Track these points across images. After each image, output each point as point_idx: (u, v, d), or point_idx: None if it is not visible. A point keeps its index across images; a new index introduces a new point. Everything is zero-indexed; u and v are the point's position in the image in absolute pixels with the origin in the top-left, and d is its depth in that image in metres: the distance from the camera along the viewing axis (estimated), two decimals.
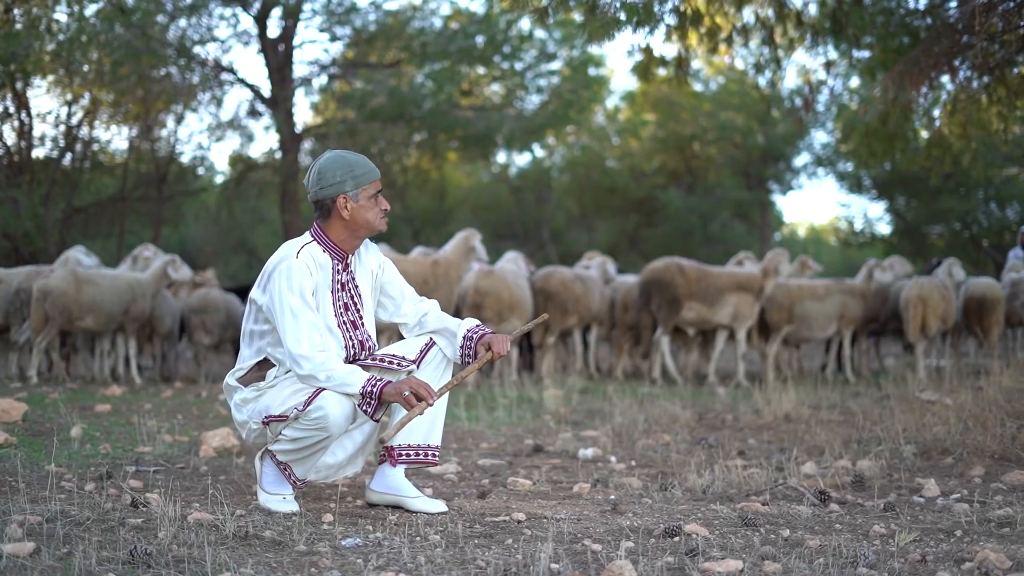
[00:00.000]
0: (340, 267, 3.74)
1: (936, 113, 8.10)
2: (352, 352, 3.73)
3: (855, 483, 4.36)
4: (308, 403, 3.48)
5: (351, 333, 3.73)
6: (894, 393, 7.64)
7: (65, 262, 9.44)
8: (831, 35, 7.26)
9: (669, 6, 5.90)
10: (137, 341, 9.72)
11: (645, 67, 7.24)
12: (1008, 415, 6.03)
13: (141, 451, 5.09)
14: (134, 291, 9.12)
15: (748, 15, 7.16)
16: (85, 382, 9.21)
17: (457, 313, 9.49)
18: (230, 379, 3.76)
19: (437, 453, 3.79)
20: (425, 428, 3.74)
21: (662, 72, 8.86)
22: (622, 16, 5.11)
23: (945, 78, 8.62)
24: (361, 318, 3.78)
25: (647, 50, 7.02)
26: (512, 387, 8.38)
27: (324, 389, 3.50)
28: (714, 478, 4.40)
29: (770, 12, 6.92)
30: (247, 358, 3.76)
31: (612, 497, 4.14)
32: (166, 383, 9.41)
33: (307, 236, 3.76)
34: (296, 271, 3.58)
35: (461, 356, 3.77)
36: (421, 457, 3.75)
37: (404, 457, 3.74)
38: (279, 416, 3.56)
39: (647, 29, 5.29)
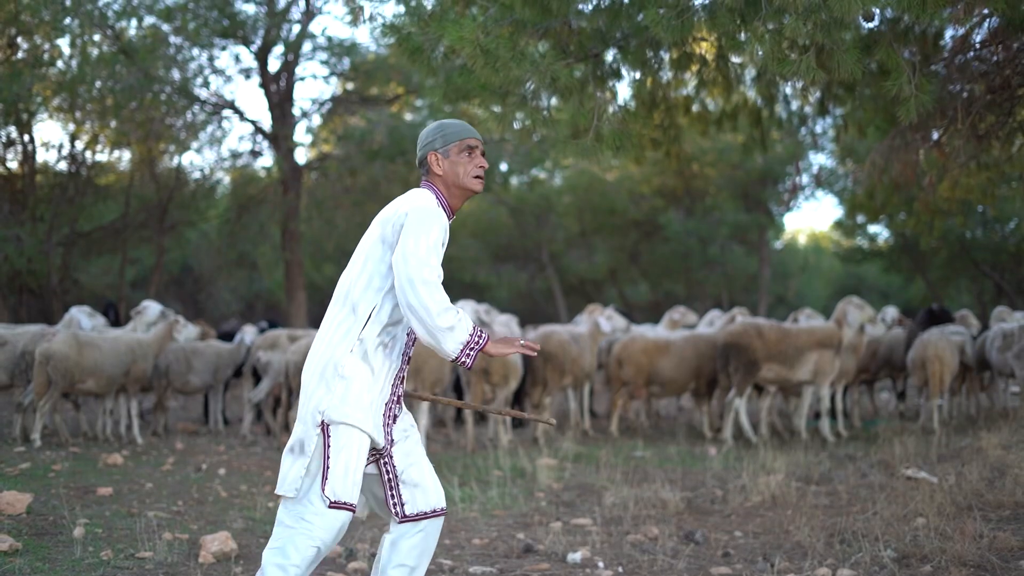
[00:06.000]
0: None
1: (924, 182, 8.21)
2: None
3: None
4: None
5: None
6: (878, 465, 7.79)
7: (68, 324, 9.59)
8: (819, 116, 7.40)
9: (654, 121, 6.03)
10: (158, 395, 10.03)
11: (637, 154, 7.36)
12: (990, 506, 6.19)
13: (141, 557, 5.22)
14: (135, 353, 9.27)
15: (736, 98, 7.29)
16: (87, 440, 9.37)
17: (459, 378, 9.70)
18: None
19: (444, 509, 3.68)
20: (434, 493, 3.65)
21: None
22: (603, 139, 5.23)
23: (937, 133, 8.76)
24: None
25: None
26: (506, 455, 8.52)
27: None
28: None
29: (759, 100, 7.05)
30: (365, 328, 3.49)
31: None
32: (167, 442, 9.57)
33: (428, 191, 3.67)
34: (442, 219, 3.51)
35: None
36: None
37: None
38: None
39: (625, 152, 5.42)
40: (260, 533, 5.88)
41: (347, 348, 3.47)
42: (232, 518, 6.22)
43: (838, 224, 23.96)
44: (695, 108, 7.10)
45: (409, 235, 3.40)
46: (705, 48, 6.40)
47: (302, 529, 3.38)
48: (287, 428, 9.57)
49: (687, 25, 4.58)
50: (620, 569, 5.28)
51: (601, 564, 5.37)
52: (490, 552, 5.63)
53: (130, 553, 5.31)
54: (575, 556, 5.45)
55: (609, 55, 5.88)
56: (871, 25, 5.38)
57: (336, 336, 3.50)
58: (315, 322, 19.03)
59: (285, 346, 9.89)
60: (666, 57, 6.02)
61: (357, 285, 3.53)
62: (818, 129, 8.33)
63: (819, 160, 25.46)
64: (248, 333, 10.60)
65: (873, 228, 26.32)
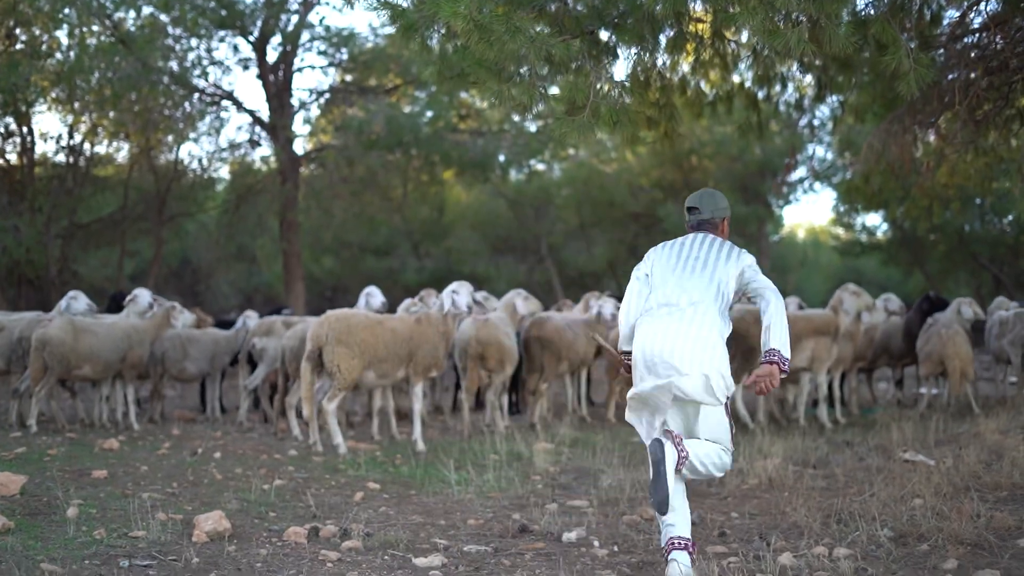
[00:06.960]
0: None
1: (922, 168, 8.19)
2: None
3: None
4: None
5: None
6: (876, 449, 7.77)
7: (61, 312, 9.57)
8: (816, 101, 7.37)
9: (651, 97, 5.99)
10: (154, 382, 10.00)
11: (632, 134, 7.32)
12: (987, 487, 6.17)
13: (135, 536, 5.20)
14: (131, 339, 9.26)
15: (733, 79, 7.26)
16: (84, 427, 9.35)
17: (455, 364, 9.70)
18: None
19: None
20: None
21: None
22: (599, 115, 5.20)
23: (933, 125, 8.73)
24: None
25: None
26: (502, 440, 8.50)
27: None
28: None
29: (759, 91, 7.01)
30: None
31: None
32: (163, 429, 9.55)
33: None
34: None
35: None
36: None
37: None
38: None
39: (623, 128, 5.39)
40: (254, 513, 5.87)
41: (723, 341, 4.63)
42: (227, 499, 6.21)
43: (836, 215, 23.88)
44: (689, 91, 7.06)
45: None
46: (702, 29, 6.38)
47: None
48: (283, 414, 9.54)
49: None
50: (615, 548, 5.26)
51: (596, 543, 5.35)
52: (485, 532, 5.61)
53: (123, 532, 5.30)
54: (570, 535, 5.43)
55: (604, 34, 5.86)
56: (866, 1, 5.35)
57: (716, 329, 4.66)
58: (314, 313, 19.00)
59: (281, 332, 9.86)
60: (663, 36, 6.01)
61: (724, 293, 4.73)
62: (816, 121, 8.31)
63: (818, 152, 25.49)
64: (251, 318, 10.57)
65: (872, 221, 26.35)
